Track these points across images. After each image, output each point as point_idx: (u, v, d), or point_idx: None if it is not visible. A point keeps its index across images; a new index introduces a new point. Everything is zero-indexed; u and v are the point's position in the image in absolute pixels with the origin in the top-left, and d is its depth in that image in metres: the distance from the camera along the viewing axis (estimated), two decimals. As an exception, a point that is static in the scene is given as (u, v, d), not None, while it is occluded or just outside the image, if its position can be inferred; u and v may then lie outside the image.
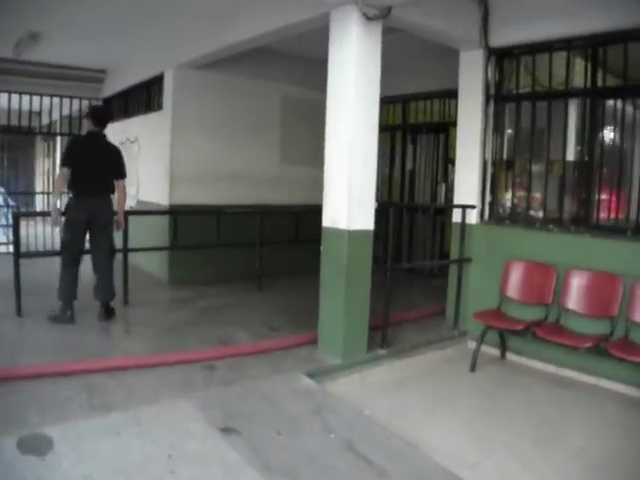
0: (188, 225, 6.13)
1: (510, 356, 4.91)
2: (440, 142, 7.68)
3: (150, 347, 4.37)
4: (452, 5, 4.68)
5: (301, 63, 7.35)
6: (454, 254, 5.30)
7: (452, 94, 7.20)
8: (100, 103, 8.52)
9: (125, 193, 5.09)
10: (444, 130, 7.55)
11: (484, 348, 4.82)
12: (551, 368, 4.60)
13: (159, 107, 6.99)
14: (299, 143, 7.68)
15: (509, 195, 5.17)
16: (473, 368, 4.59)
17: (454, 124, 7.34)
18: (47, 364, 3.74)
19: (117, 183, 5.00)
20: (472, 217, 5.17)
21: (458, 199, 5.30)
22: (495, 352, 4.93)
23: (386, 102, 8.20)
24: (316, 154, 7.99)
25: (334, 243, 4.19)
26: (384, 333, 4.52)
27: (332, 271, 4.23)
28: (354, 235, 4.12)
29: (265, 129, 7.32)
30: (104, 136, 5.02)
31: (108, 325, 4.90)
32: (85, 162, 4.77)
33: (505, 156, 5.16)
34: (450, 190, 7.64)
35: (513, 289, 4.81)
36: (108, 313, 4.99)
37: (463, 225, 5.10)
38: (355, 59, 4.01)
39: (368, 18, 3.90)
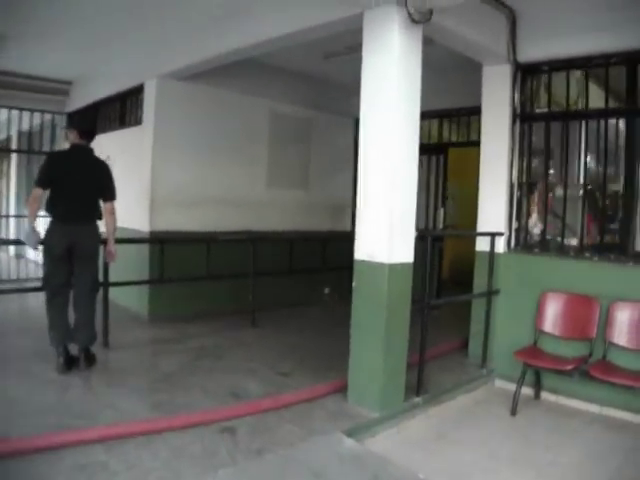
0: (171, 254, 5.41)
1: (545, 395, 4.44)
2: (438, 164, 7.29)
3: (149, 405, 3.63)
4: (482, 15, 4.29)
5: (290, 78, 6.86)
6: (479, 286, 4.82)
7: (451, 114, 6.95)
8: (64, 117, 7.67)
9: (115, 217, 4.36)
10: (442, 152, 7.17)
11: (515, 387, 4.37)
12: (594, 408, 4.17)
13: (137, 122, 6.29)
14: (288, 164, 7.14)
15: (538, 221, 4.76)
16: (514, 412, 4.10)
17: (453, 145, 7.09)
18: (24, 437, 2.94)
19: (105, 206, 4.28)
20: (498, 245, 4.73)
21: (482, 226, 4.84)
22: (527, 391, 4.45)
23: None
24: (305, 176, 7.54)
25: (371, 279, 3.62)
26: (420, 379, 3.97)
27: (368, 311, 3.66)
28: (395, 269, 3.58)
29: (253, 148, 6.72)
30: (91, 151, 4.30)
31: (90, 375, 4.11)
32: (68, 182, 4.06)
33: (533, 179, 4.76)
34: (449, 215, 7.30)
35: (550, 323, 4.37)
36: (89, 360, 4.22)
37: (492, 254, 4.64)
38: (397, 67, 3.52)
39: (413, 20, 3.42)
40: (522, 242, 4.77)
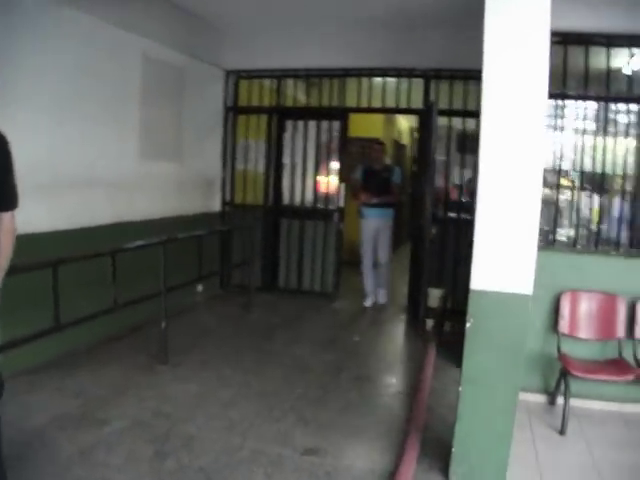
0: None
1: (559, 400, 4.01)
2: (332, 131, 6.25)
3: None
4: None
5: (167, 9, 4.95)
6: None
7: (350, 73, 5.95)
8: None
9: (14, 237, 2.26)
10: (340, 117, 6.13)
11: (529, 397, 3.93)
12: (613, 406, 3.88)
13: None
14: (161, 128, 5.27)
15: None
16: (563, 431, 3.50)
17: (354, 110, 6.11)
18: None
19: (1, 218, 2.17)
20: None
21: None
22: (535, 397, 3.99)
23: (254, 76, 6.40)
24: (179, 144, 5.64)
25: (501, 317, 2.58)
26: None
27: (494, 362, 2.60)
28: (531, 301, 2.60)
29: (122, 105, 4.68)
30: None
31: None
32: None
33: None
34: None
35: (574, 325, 3.90)
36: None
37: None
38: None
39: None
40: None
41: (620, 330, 3.82)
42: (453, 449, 2.73)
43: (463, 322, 5.10)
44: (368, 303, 6.13)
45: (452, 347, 4.72)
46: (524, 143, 2.50)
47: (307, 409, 3.54)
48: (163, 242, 4.03)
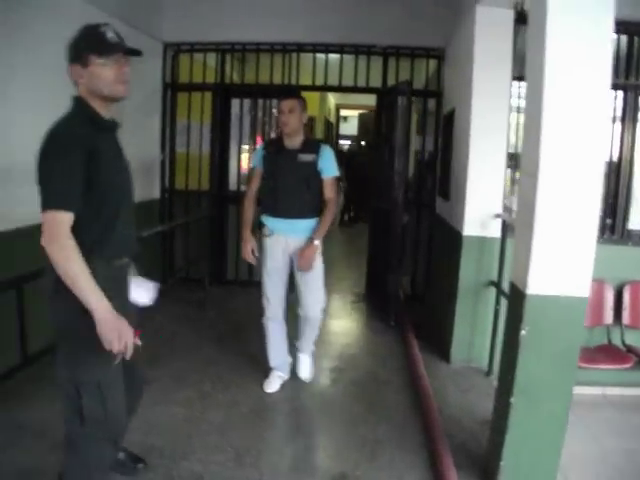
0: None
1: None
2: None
3: None
4: None
5: None
6: (467, 278, 4.04)
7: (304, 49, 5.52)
8: None
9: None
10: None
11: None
12: (597, 390, 3.93)
13: None
14: None
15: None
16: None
17: (309, 88, 5.69)
18: None
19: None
20: (489, 229, 3.97)
21: (471, 205, 3.98)
22: None
23: (196, 50, 5.80)
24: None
25: (559, 324, 2.41)
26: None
27: (550, 371, 2.45)
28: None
29: (58, 81, 3.85)
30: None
31: None
32: None
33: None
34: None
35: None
36: None
37: (504, 241, 3.81)
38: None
39: None
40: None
41: (608, 316, 3.88)
42: (502, 462, 2.56)
43: (431, 309, 5.02)
44: (272, 387, 3.64)
45: (430, 338, 4.63)
46: (588, 138, 2.30)
47: (311, 425, 3.23)
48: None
